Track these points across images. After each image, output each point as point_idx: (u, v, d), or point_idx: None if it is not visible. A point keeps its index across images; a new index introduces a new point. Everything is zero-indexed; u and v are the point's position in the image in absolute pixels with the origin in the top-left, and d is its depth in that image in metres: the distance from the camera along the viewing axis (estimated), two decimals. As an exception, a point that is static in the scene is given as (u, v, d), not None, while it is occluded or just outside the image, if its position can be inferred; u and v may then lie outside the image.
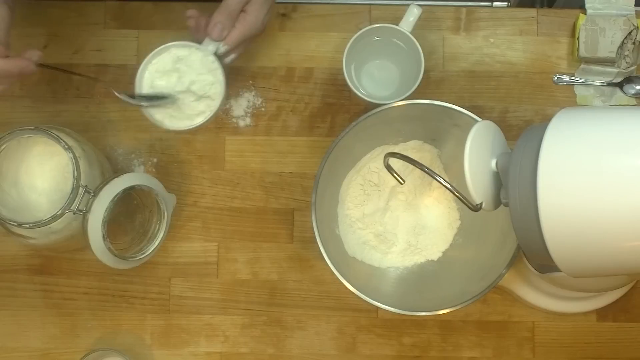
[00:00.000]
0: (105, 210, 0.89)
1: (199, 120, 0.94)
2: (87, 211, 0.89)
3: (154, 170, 1.07)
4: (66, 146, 0.90)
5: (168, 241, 1.05)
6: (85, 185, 0.90)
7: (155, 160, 1.07)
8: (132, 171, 1.06)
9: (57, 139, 0.91)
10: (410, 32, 1.01)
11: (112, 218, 0.90)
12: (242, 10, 0.92)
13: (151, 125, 1.07)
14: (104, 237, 0.89)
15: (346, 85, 1.01)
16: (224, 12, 0.91)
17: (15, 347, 1.05)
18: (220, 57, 0.94)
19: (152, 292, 1.05)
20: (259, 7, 0.91)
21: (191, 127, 0.94)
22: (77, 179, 0.89)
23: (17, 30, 1.07)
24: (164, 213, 0.96)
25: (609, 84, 1.07)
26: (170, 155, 1.07)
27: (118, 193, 0.90)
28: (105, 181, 0.91)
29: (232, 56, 0.95)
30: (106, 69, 1.07)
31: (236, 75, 1.08)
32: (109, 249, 0.90)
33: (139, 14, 1.09)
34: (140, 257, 0.94)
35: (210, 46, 0.93)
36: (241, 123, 1.07)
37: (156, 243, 0.96)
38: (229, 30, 0.91)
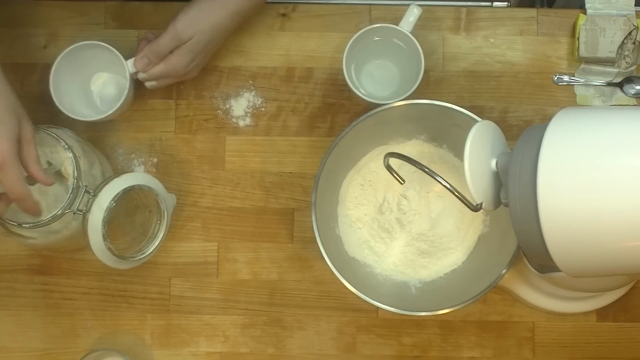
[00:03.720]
0: (105, 210, 0.89)
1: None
2: (87, 211, 0.89)
3: (154, 170, 1.07)
4: (66, 146, 0.90)
5: (168, 241, 1.05)
6: (86, 185, 0.90)
7: (155, 160, 1.07)
8: (132, 171, 1.06)
9: (57, 139, 0.91)
10: (410, 32, 1.01)
11: (112, 218, 0.90)
12: (171, 52, 0.98)
13: (152, 125, 1.07)
14: (104, 237, 0.89)
15: (346, 85, 1.01)
16: (153, 49, 0.97)
17: (15, 347, 1.05)
18: (133, 77, 1.00)
19: (152, 292, 1.05)
20: (186, 52, 0.97)
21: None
22: (77, 179, 0.89)
23: (17, 30, 1.08)
24: (164, 213, 0.96)
25: (609, 84, 1.07)
26: (170, 155, 1.07)
27: (118, 193, 0.90)
28: (105, 181, 0.91)
29: (152, 83, 1.01)
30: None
31: (236, 75, 1.08)
32: (109, 249, 0.90)
33: (139, 14, 1.09)
34: (140, 257, 0.94)
35: (131, 66, 0.99)
36: (241, 123, 1.07)
37: (156, 243, 0.96)
38: (153, 66, 0.98)
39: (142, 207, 0.98)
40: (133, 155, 1.07)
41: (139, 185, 0.92)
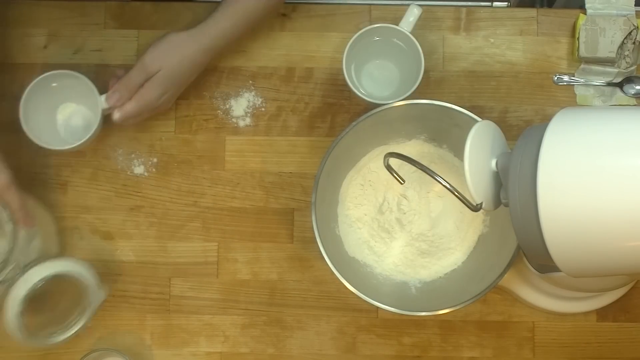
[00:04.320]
0: (30, 289, 0.88)
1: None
2: (11, 285, 0.89)
3: (154, 170, 1.07)
4: (7, 219, 0.90)
5: (168, 241, 1.05)
6: (15, 262, 0.90)
7: (155, 160, 1.07)
8: (132, 171, 1.06)
9: (3, 207, 0.90)
10: (410, 32, 1.01)
11: (34, 296, 0.89)
12: (142, 86, 0.97)
13: (152, 125, 1.07)
14: (20, 314, 0.88)
15: (346, 85, 1.01)
16: (123, 82, 0.97)
17: (16, 347, 1.04)
18: (105, 113, 0.99)
19: (152, 292, 1.05)
20: (156, 85, 0.97)
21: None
22: (9, 252, 0.89)
23: (17, 30, 1.08)
24: (88, 306, 0.95)
25: (609, 84, 1.07)
26: (170, 155, 1.07)
27: (46, 276, 0.90)
28: (37, 261, 0.91)
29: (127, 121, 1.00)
30: (106, 69, 1.07)
31: (236, 75, 1.08)
32: (22, 326, 0.89)
33: (139, 14, 1.09)
34: (49, 342, 0.93)
35: (103, 101, 0.98)
36: (241, 123, 1.07)
37: (69, 334, 0.95)
38: (124, 101, 0.98)
39: (68, 293, 0.96)
40: (133, 155, 1.07)
41: (69, 274, 0.92)
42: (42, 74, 0.99)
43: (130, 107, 0.98)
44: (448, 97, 1.06)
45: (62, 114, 1.04)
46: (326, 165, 0.94)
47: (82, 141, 0.99)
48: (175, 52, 0.97)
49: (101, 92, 0.99)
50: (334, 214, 1.03)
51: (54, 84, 1.00)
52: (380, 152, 1.03)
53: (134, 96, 0.97)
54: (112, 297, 1.05)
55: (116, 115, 0.98)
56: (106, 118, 1.00)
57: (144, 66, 0.96)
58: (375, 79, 1.06)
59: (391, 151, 0.85)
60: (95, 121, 0.99)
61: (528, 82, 1.07)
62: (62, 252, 1.04)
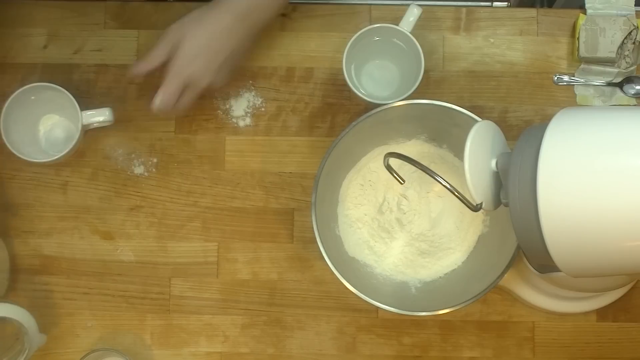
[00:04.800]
0: None
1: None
2: None
3: (154, 170, 1.07)
4: None
5: (168, 241, 1.05)
6: None
7: (155, 160, 1.07)
8: (132, 171, 1.06)
9: None
10: (410, 32, 1.01)
11: None
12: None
13: (152, 125, 1.07)
14: None
15: (346, 85, 1.01)
16: (148, 54, 0.94)
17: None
18: (85, 129, 1.00)
19: (152, 292, 1.05)
20: (181, 53, 0.93)
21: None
22: None
23: (17, 30, 1.08)
24: (23, 351, 0.95)
25: (609, 84, 1.07)
26: (170, 155, 1.07)
27: None
28: None
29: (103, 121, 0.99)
30: (106, 69, 1.08)
31: (236, 75, 1.08)
32: None
33: (139, 14, 1.09)
34: None
35: (84, 117, 0.98)
36: (241, 123, 1.07)
37: None
38: (146, 69, 0.95)
39: (4, 337, 0.97)
40: (133, 155, 1.07)
41: (9, 319, 0.92)
42: (25, 85, 0.99)
43: (166, 86, 0.92)
44: (448, 97, 1.06)
45: (44, 125, 1.05)
46: (326, 165, 0.94)
47: (62, 154, 0.99)
48: (199, 19, 0.93)
49: (81, 107, 0.99)
50: (334, 214, 1.03)
51: (32, 97, 1.01)
52: (380, 152, 1.03)
53: (164, 74, 0.93)
54: (112, 297, 1.05)
55: (157, 100, 0.93)
56: (89, 132, 1.01)
57: (165, 35, 0.94)
58: (375, 79, 1.06)
59: (391, 151, 0.85)
60: (76, 134, 0.99)
61: (528, 82, 1.07)
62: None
